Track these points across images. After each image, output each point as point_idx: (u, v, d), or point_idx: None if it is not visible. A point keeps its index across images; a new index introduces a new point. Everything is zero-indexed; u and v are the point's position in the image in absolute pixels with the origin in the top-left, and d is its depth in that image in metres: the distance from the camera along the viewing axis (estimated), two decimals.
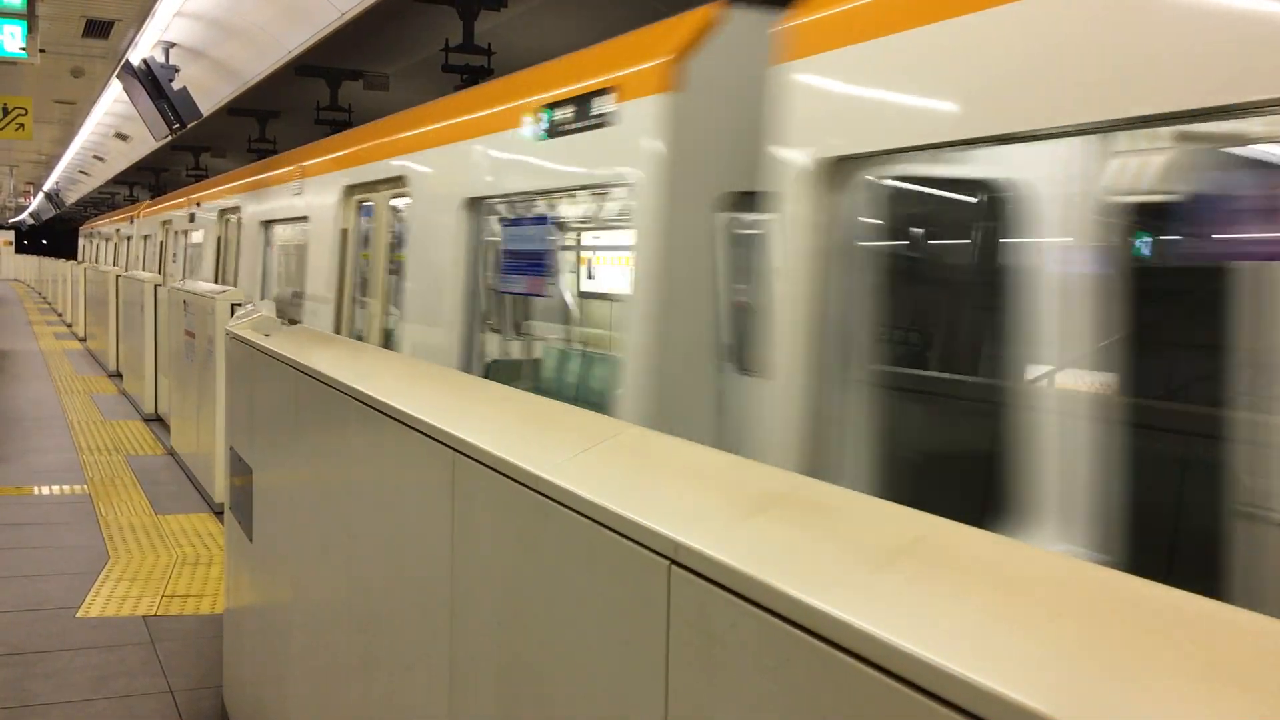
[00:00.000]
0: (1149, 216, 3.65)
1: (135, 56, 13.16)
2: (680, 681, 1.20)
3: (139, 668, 4.51)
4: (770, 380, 2.99)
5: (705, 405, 3.68)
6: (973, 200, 4.35)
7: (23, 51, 10.61)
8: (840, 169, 2.81)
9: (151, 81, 13.01)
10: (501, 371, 5.88)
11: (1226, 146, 2.62)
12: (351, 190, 7.32)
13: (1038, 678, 0.82)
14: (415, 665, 2.05)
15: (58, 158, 29.40)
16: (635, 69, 3.86)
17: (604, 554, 1.36)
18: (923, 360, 4.85)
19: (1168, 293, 3.77)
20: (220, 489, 6.92)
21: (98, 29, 12.59)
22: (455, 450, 1.83)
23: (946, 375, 4.64)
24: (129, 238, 21.38)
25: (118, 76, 14.05)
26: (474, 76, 8.60)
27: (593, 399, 5.23)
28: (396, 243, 6.66)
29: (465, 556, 1.83)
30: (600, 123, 4.02)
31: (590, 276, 7.66)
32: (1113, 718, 0.77)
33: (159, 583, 5.65)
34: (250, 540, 3.63)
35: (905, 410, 4.01)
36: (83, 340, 19.44)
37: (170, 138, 14.75)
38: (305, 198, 8.50)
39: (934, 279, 4.96)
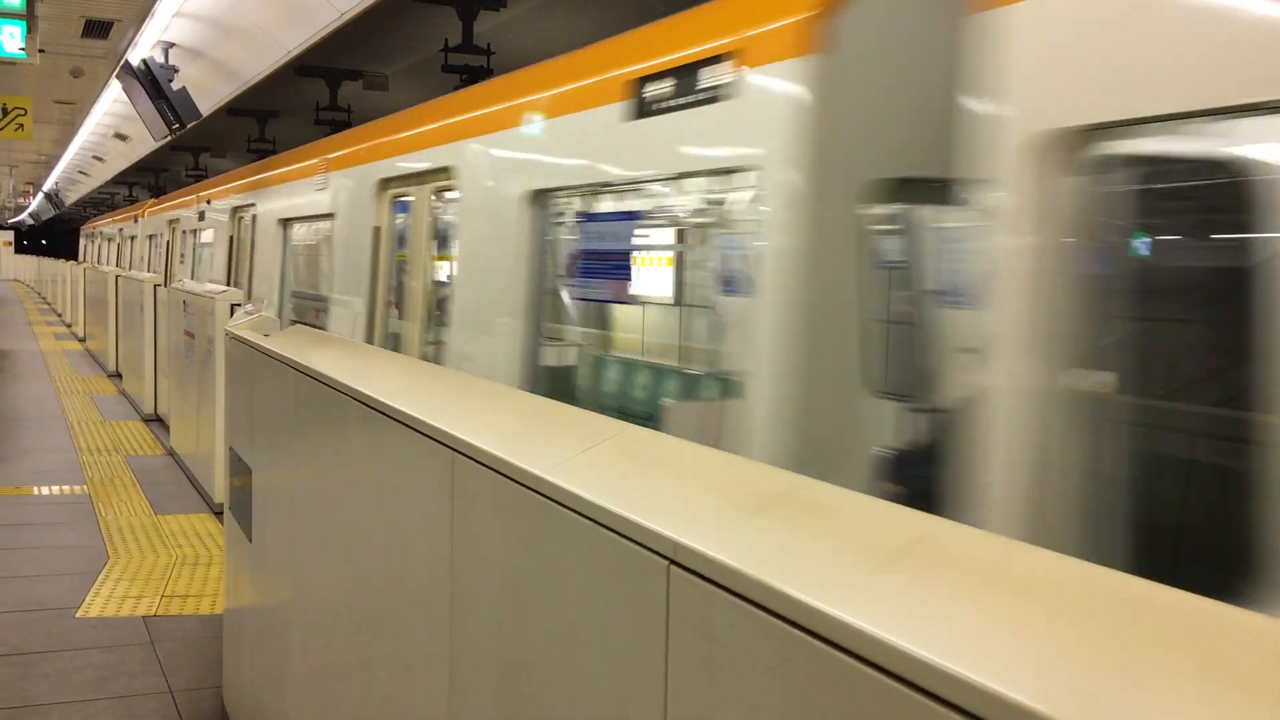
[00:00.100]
0: None
1: (135, 57, 13.15)
2: (679, 681, 1.20)
3: (139, 668, 4.51)
4: (971, 415, 2.35)
5: (854, 441, 3.06)
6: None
7: (22, 52, 10.60)
8: (1088, 142, 2.18)
9: (151, 82, 13.00)
10: (573, 391, 5.17)
11: None
12: (386, 184, 6.66)
13: (1038, 678, 0.82)
14: (415, 665, 2.05)
15: (57, 158, 29.40)
16: (763, 29, 3.22)
17: (603, 554, 1.36)
18: (1215, 399, 3.50)
19: None
20: (220, 489, 6.92)
21: (97, 29, 12.58)
22: (455, 450, 1.83)
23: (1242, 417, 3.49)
24: (132, 238, 20.70)
25: (117, 77, 14.05)
26: (473, 77, 8.59)
27: (697, 429, 4.17)
28: (440, 242, 6.13)
29: (465, 557, 1.83)
30: (712, 96, 3.40)
31: (690, 280, 6.48)
32: (1113, 718, 0.77)
33: (159, 583, 5.65)
34: (250, 540, 3.62)
35: (1187, 465, 3.15)
36: (82, 340, 19.43)
37: (170, 138, 14.74)
38: (330, 193, 7.82)
39: (1224, 293, 3.50)
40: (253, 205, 10.61)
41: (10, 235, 58.27)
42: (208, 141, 19.71)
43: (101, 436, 10.02)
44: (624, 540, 1.30)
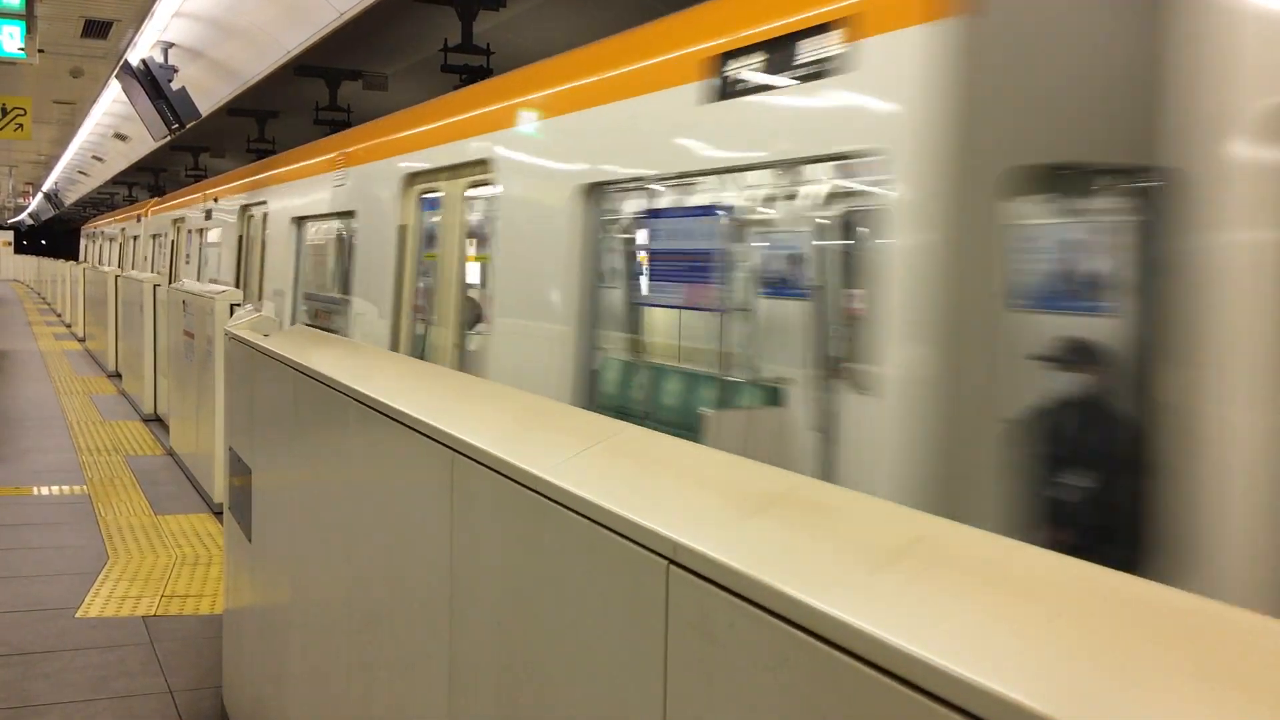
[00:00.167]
0: None
1: (134, 57, 13.15)
2: (679, 681, 1.20)
3: (138, 668, 4.50)
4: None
5: (992, 472, 2.64)
6: None
7: (21, 52, 10.60)
8: None
9: (150, 82, 13.00)
10: (639, 407, 4.51)
11: None
12: (413, 179, 6.17)
13: (1037, 678, 0.82)
14: (414, 665, 2.05)
15: (57, 158, 29.39)
16: None
17: (603, 554, 1.36)
18: None
19: None
20: (219, 489, 6.92)
21: (96, 29, 12.58)
22: (454, 450, 1.83)
23: None
24: (135, 237, 20.13)
25: (116, 77, 14.05)
26: (473, 76, 8.59)
27: (797, 456, 3.66)
28: (476, 241, 5.70)
29: (464, 556, 1.83)
30: (816, 72, 2.95)
31: (783, 283, 5.24)
32: (1112, 717, 0.77)
33: (158, 583, 5.65)
34: (249, 540, 3.62)
35: None
36: (82, 340, 19.43)
37: (169, 138, 14.74)
38: (350, 189, 7.32)
39: None
40: (263, 203, 10.14)
41: (10, 235, 58.28)
42: (207, 141, 19.71)
43: (101, 437, 10.02)
44: (623, 540, 1.29)
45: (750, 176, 3.61)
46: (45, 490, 7.75)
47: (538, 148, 4.67)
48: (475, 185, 5.49)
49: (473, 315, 5.79)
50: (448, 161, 5.65)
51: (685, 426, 3.95)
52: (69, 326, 22.85)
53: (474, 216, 5.69)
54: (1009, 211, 2.64)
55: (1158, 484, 2.16)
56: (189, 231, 14.54)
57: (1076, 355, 3.04)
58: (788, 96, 3.09)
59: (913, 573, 1.03)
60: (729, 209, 3.79)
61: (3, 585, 5.51)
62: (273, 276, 9.43)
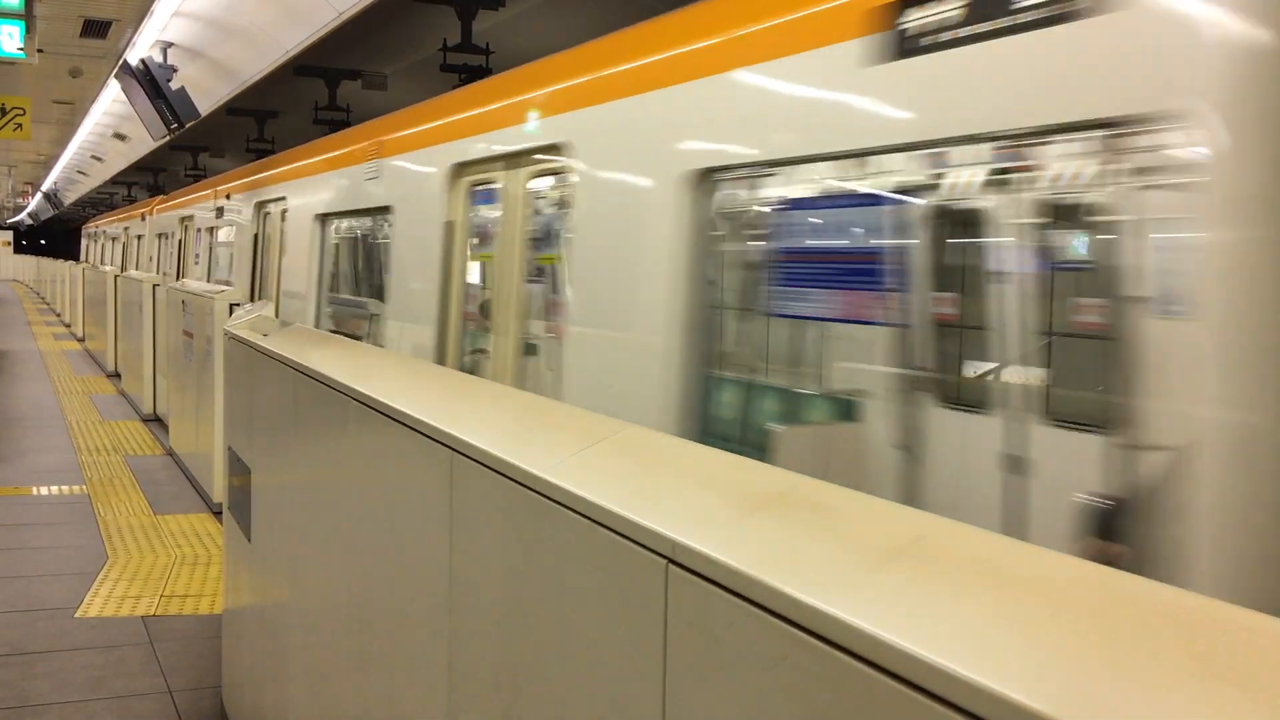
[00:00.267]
0: None
1: (133, 56, 13.15)
2: (678, 680, 1.20)
3: (138, 668, 4.50)
4: None
5: None
6: None
7: (21, 51, 10.60)
8: None
9: (150, 81, 12.99)
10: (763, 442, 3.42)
11: None
12: (463, 170, 5.47)
13: (1037, 677, 0.82)
14: (414, 665, 2.05)
15: (56, 158, 29.39)
16: None
17: (602, 553, 1.36)
18: None
19: None
20: (219, 489, 6.91)
21: (96, 29, 12.58)
22: (453, 450, 1.83)
23: None
24: (139, 237, 19.16)
25: (116, 76, 14.04)
26: (472, 76, 8.59)
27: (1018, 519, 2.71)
28: (543, 240, 5.03)
29: (463, 556, 1.83)
30: (1057, 14, 2.34)
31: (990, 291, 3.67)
32: (1112, 717, 0.77)
33: (158, 583, 5.65)
34: (249, 540, 3.62)
35: None
36: (81, 340, 19.43)
37: (168, 138, 14.72)
38: (385, 182, 6.57)
39: None
40: (281, 199, 9.35)
41: (9, 235, 58.29)
42: (207, 141, 19.70)
43: (100, 436, 10.01)
44: (623, 540, 1.29)
45: (953, 154, 2.87)
46: (45, 490, 7.74)
47: (630, 128, 3.94)
48: (542, 175, 4.85)
49: (543, 323, 5.11)
50: (507, 148, 4.94)
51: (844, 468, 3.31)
52: (68, 326, 22.85)
53: (541, 211, 5.03)
54: None
55: None
56: (198, 230, 13.72)
57: None
58: (1007, 47, 2.46)
59: (912, 572, 1.03)
60: (918, 193, 3.03)
61: (2, 585, 5.51)
62: (292, 278, 8.68)
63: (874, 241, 3.02)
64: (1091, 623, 0.91)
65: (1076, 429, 3.05)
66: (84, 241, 32.29)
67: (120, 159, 25.27)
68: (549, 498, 1.48)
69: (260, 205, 10.11)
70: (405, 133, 6.39)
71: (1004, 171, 2.82)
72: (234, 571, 4.00)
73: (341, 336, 5.34)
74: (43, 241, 66.31)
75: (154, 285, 11.26)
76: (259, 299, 9.63)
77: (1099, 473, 2.41)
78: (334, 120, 12.50)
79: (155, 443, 9.84)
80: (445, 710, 1.87)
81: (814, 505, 1.27)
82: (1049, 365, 3.30)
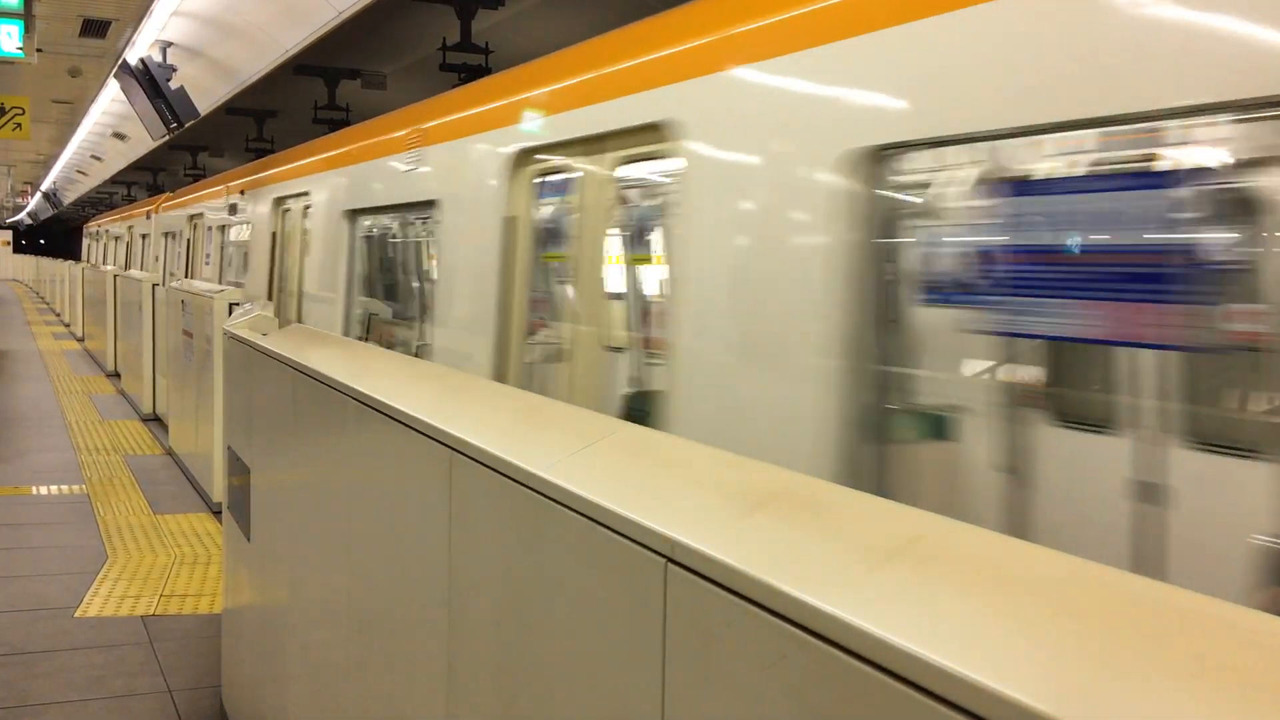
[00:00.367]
0: None
1: (132, 56, 13.15)
2: (677, 679, 1.20)
3: (137, 667, 4.50)
4: None
5: None
6: None
7: (20, 51, 10.60)
8: None
9: (149, 81, 13.00)
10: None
11: None
12: (528, 157, 4.76)
13: (1036, 676, 0.82)
14: (413, 664, 2.05)
15: (55, 157, 29.39)
16: None
17: (601, 552, 1.36)
18: None
19: None
20: (218, 489, 6.92)
21: (95, 28, 12.59)
22: (453, 449, 1.83)
23: None
24: (144, 236, 18.23)
25: (115, 76, 14.04)
26: (471, 75, 8.60)
27: None
28: (636, 237, 4.54)
29: (463, 555, 1.83)
30: None
31: None
32: (1111, 716, 0.77)
33: (157, 582, 5.65)
34: (248, 540, 3.62)
35: None
36: (81, 340, 19.43)
37: (168, 137, 14.72)
38: (430, 174, 5.86)
39: None
40: (304, 195, 8.54)
41: (9, 235, 58.31)
42: (206, 141, 19.71)
43: (100, 436, 10.01)
44: (622, 539, 1.29)
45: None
46: (44, 490, 7.74)
47: (764, 100, 3.26)
48: (635, 160, 4.13)
49: (631, 336, 4.47)
50: (588, 130, 4.19)
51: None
52: (68, 326, 22.84)
53: (634, 203, 4.44)
54: None
55: None
56: (209, 229, 12.81)
57: None
58: None
59: (911, 571, 1.03)
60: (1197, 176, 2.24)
61: (2, 585, 5.51)
62: (316, 281, 7.88)
63: (1161, 236, 2.20)
64: (1092, 622, 0.91)
65: None
66: (85, 241, 31.33)
67: (119, 159, 25.27)
68: (548, 497, 1.48)
69: (279, 201, 9.32)
70: (455, 117, 5.60)
71: None
72: (233, 571, 4.00)
73: (373, 345, 4.85)
74: (42, 241, 66.32)
75: (153, 285, 11.26)
76: (277, 302, 9.05)
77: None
78: (333, 120, 12.51)
79: (155, 442, 9.84)
80: (444, 708, 1.87)
81: (813, 504, 1.27)
82: None
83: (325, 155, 8.11)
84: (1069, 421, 3.11)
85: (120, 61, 13.42)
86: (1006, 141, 2.59)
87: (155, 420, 11.01)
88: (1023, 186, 2.55)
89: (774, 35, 3.26)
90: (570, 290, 4.55)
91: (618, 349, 4.54)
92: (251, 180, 10.62)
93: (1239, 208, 2.56)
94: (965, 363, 3.03)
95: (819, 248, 2.97)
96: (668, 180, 3.92)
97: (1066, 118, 2.39)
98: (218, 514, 6.97)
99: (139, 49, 13.02)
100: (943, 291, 2.86)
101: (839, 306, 2.88)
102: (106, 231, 24.89)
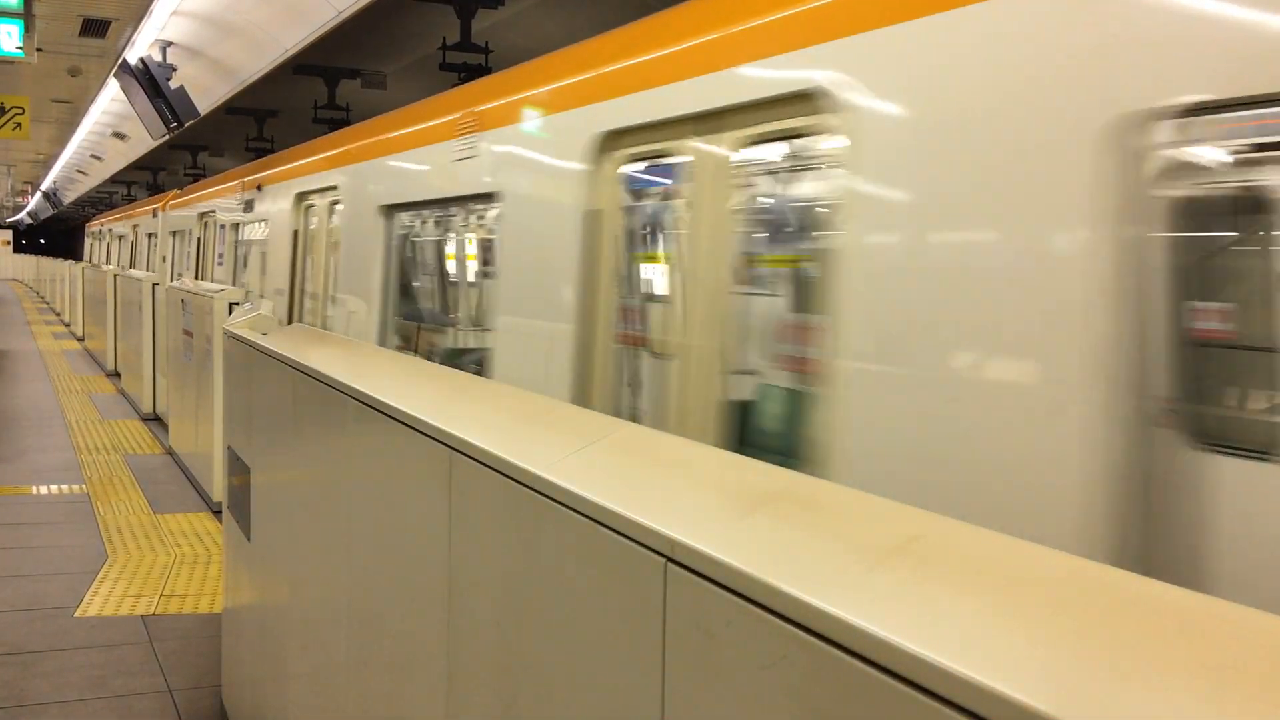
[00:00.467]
0: None
1: (132, 55, 13.15)
2: (677, 679, 1.20)
3: (137, 667, 4.50)
4: None
5: None
6: None
7: (20, 50, 10.60)
8: None
9: (149, 80, 13.00)
10: None
11: None
12: (618, 139, 4.02)
13: (1036, 675, 0.82)
14: (413, 663, 2.05)
15: (55, 157, 29.39)
16: None
17: (601, 552, 1.36)
18: None
19: None
20: (219, 488, 6.92)
21: (95, 28, 12.59)
22: (452, 449, 1.83)
23: None
24: (151, 235, 17.42)
25: (115, 75, 14.04)
26: (471, 75, 8.59)
27: None
28: (773, 234, 3.82)
29: (463, 555, 1.83)
30: None
31: None
32: (1110, 716, 0.77)
33: (157, 582, 5.65)
34: (248, 539, 3.62)
35: None
36: (81, 340, 19.43)
37: (168, 137, 14.72)
38: (488, 163, 5.10)
39: None
40: (331, 189, 7.73)
41: (9, 235, 58.34)
42: (206, 140, 19.72)
43: (100, 436, 10.01)
44: (622, 538, 1.29)
45: None
46: (44, 489, 7.74)
47: (976, 55, 2.54)
48: (767, 140, 3.43)
49: (769, 357, 3.74)
50: (701, 105, 3.51)
51: None
52: (68, 326, 22.85)
53: (765, 192, 3.76)
54: None
55: None
56: (221, 227, 11.93)
57: None
58: None
59: (910, 570, 1.03)
60: None
61: (2, 584, 5.51)
62: (346, 284, 7.10)
63: None
64: (1092, 621, 0.91)
65: None
66: (88, 241, 30.29)
67: (119, 158, 25.27)
68: (548, 496, 1.48)
69: (302, 197, 8.51)
70: (520, 96, 4.87)
71: None
72: (234, 571, 4.00)
73: (414, 357, 4.66)
74: (42, 241, 66.36)
75: (153, 284, 11.25)
76: (300, 307, 8.43)
77: None
78: (333, 119, 12.51)
79: (155, 442, 9.84)
80: (444, 708, 1.87)
81: (812, 504, 1.27)
82: None
83: (357, 145, 7.28)
84: None
85: (120, 61, 13.42)
86: None
87: (155, 420, 11.01)
88: None
89: None
90: (677, 298, 3.74)
91: (747, 372, 3.68)
92: (270, 174, 9.79)
93: None
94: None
95: (1078, 240, 2.27)
96: (821, 162, 3.23)
97: None
98: (218, 514, 6.97)
99: (139, 48, 13.02)
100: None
101: (1094, 308, 2.20)
102: (110, 231, 24.27)
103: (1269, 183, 2.16)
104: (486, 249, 5.55)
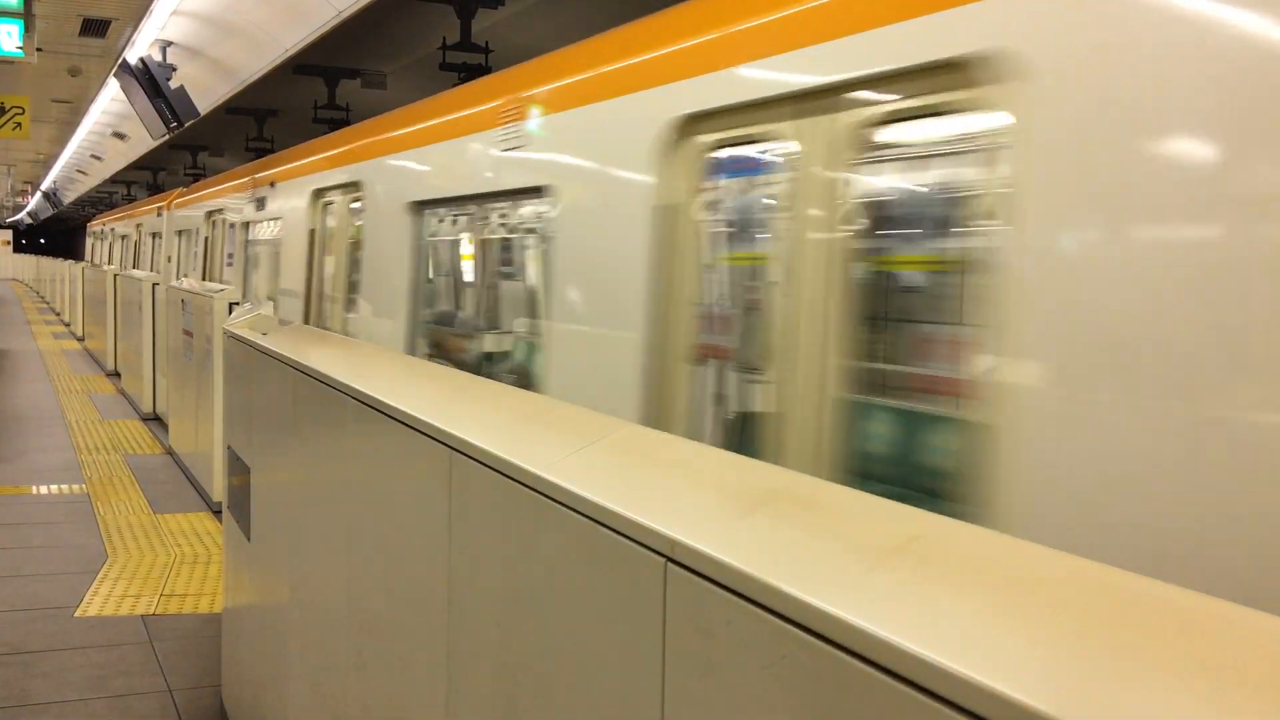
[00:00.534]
0: None
1: (132, 55, 13.15)
2: (677, 678, 1.20)
3: (137, 667, 4.50)
4: None
5: None
6: None
7: (20, 50, 10.60)
8: None
9: (149, 80, 13.00)
10: None
11: None
12: (698, 124, 3.51)
13: (1035, 675, 0.82)
14: (413, 663, 2.05)
15: (55, 157, 29.39)
16: None
17: (601, 552, 1.36)
18: None
19: None
20: (218, 488, 6.92)
21: (95, 28, 12.59)
22: (452, 449, 1.83)
23: None
24: (155, 235, 16.75)
25: (115, 75, 14.04)
26: (471, 75, 8.59)
27: None
28: (911, 232, 3.42)
29: (462, 555, 1.83)
30: None
31: None
32: (1110, 716, 0.77)
33: (157, 582, 5.65)
34: (248, 539, 3.62)
35: None
36: (81, 340, 19.43)
37: (168, 137, 14.72)
38: (537, 153, 4.59)
39: None
40: (353, 185, 7.19)
41: (9, 234, 58.36)
42: (206, 140, 19.71)
43: (100, 435, 10.01)
44: (621, 538, 1.29)
45: None
46: (44, 489, 7.74)
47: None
48: (899, 119, 2.88)
49: (885, 372, 3.27)
50: (808, 80, 2.99)
51: None
52: (68, 325, 22.85)
53: (899, 183, 3.34)
54: None
55: None
56: (230, 226, 11.35)
57: None
58: None
59: (910, 570, 1.03)
60: None
61: (2, 584, 5.51)
62: (369, 287, 6.66)
63: None
64: (1091, 621, 0.91)
65: None
66: (89, 241, 29.54)
67: (119, 158, 25.27)
68: (548, 496, 1.48)
69: (319, 193, 8.01)
70: (577, 79, 4.36)
71: None
72: (233, 570, 4.00)
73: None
74: (42, 241, 66.38)
75: (154, 284, 11.25)
76: (317, 310, 8.00)
77: None
78: (333, 119, 12.51)
79: (155, 442, 9.84)
80: (444, 708, 1.87)
81: (812, 503, 1.27)
82: None
83: (381, 138, 6.74)
84: None
85: (120, 61, 13.43)
86: None
87: (155, 420, 11.01)
88: None
89: None
90: (778, 307, 3.18)
91: (868, 395, 3.11)
92: (284, 170, 9.25)
93: None
94: None
95: None
96: (978, 144, 2.69)
97: None
98: (218, 513, 6.97)
99: (139, 48, 13.02)
100: None
101: None
102: (112, 230, 23.47)
103: None
104: (538, 248, 4.99)
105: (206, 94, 14.21)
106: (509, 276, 5.93)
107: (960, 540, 1.12)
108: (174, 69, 13.20)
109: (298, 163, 8.85)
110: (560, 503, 1.45)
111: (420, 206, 5.98)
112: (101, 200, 38.02)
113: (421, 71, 11.05)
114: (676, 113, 3.57)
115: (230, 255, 11.18)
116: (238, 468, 3.80)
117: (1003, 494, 2.31)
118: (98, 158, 27.35)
